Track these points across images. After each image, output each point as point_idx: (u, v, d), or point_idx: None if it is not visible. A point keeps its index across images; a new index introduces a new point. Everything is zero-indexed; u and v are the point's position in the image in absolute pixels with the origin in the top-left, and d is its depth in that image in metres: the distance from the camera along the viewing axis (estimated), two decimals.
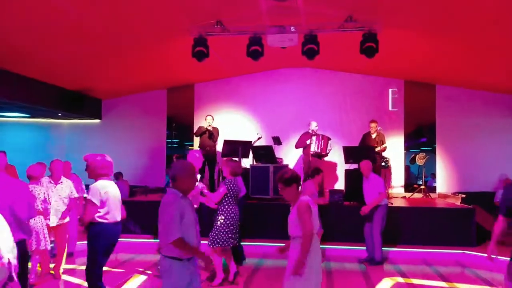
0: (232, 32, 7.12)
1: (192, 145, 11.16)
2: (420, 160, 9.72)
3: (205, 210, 5.72)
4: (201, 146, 8.88)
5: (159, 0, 6.02)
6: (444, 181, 10.41)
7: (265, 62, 8.26)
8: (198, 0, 6.32)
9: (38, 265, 5.30)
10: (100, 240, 3.82)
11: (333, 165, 10.26)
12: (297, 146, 9.20)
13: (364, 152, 8.03)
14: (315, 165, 7.78)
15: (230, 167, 5.30)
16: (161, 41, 7.73)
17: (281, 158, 9.44)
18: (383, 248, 6.33)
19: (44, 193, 5.10)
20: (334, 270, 6.16)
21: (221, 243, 5.08)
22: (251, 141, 8.68)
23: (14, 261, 1.50)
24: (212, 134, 8.85)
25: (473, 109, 10.32)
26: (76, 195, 5.81)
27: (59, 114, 10.75)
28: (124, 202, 4.38)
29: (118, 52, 8.05)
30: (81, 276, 5.55)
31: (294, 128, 10.02)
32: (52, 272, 5.45)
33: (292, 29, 6.98)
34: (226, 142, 8.34)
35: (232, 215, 5.16)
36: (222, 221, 5.11)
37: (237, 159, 7.75)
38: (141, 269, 5.93)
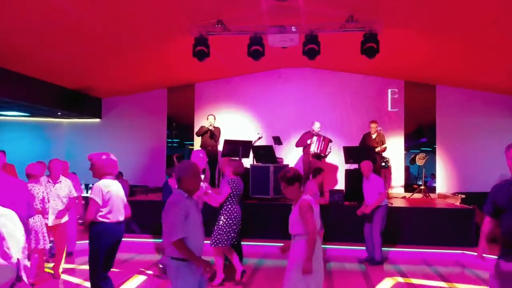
0: (233, 32, 7.11)
1: (192, 145, 11.16)
2: (420, 160, 9.72)
3: (207, 209, 5.71)
4: (202, 145, 8.88)
5: (159, 0, 6.01)
6: (444, 181, 10.42)
7: (266, 62, 8.25)
8: (198, 0, 6.32)
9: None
10: (101, 240, 3.81)
11: (333, 165, 10.26)
12: (297, 145, 9.21)
13: (364, 152, 8.04)
14: (315, 165, 7.78)
15: (232, 166, 5.30)
16: (162, 40, 7.73)
17: (282, 158, 9.44)
18: (383, 248, 6.33)
19: (43, 192, 5.10)
20: (334, 270, 6.16)
21: (223, 242, 5.08)
22: (251, 141, 8.68)
23: (24, 262, 1.50)
24: (213, 134, 8.84)
25: (473, 109, 10.32)
26: (75, 194, 5.81)
27: (59, 113, 10.75)
28: None
29: (118, 52, 8.05)
30: (80, 275, 5.56)
31: (294, 128, 10.02)
32: (52, 271, 5.45)
33: (293, 29, 6.98)
34: (227, 142, 8.35)
35: (235, 214, 5.16)
36: (224, 220, 5.11)
37: (237, 158, 7.75)
38: (141, 269, 5.93)
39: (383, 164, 9.12)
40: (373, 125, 9.00)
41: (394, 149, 10.21)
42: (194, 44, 7.09)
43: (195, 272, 3.01)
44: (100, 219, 3.81)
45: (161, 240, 6.88)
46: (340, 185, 9.67)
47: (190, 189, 3.11)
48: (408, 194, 9.96)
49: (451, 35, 7.19)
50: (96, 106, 11.49)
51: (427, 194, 9.53)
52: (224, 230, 5.09)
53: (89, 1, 5.83)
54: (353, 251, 6.91)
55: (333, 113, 10.69)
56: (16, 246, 1.46)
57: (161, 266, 5.78)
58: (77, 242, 6.65)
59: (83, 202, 8.40)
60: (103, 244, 3.82)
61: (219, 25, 7.00)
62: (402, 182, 10.51)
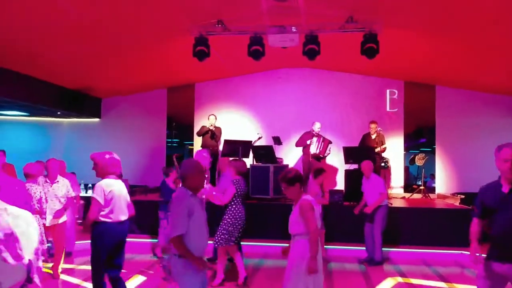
0: (233, 32, 7.11)
1: (192, 145, 11.16)
2: (419, 160, 9.73)
3: (209, 209, 5.70)
4: (203, 146, 8.87)
5: (159, 0, 6.01)
6: (443, 181, 10.42)
7: (266, 62, 8.25)
8: (198, 0, 6.32)
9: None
10: (103, 240, 3.80)
11: (333, 166, 10.26)
12: (297, 145, 9.21)
13: (364, 153, 8.04)
14: (315, 166, 7.78)
15: (235, 166, 5.28)
16: (162, 40, 7.72)
17: (281, 158, 9.44)
18: (382, 249, 6.33)
19: (40, 192, 5.09)
20: (334, 270, 6.16)
21: (227, 242, 5.07)
22: (251, 141, 8.68)
23: (37, 264, 1.50)
24: (214, 134, 8.83)
25: (473, 110, 10.32)
26: (73, 194, 5.79)
27: (59, 113, 10.74)
28: None
29: (118, 52, 8.05)
30: (80, 275, 5.56)
31: (294, 128, 10.02)
32: (51, 271, 5.44)
33: (293, 29, 6.98)
34: (227, 142, 8.35)
35: (239, 214, 5.15)
36: (229, 220, 5.09)
37: (236, 158, 7.74)
38: (141, 269, 5.92)
39: (382, 164, 9.13)
40: (372, 126, 9.00)
41: (394, 150, 10.22)
42: (194, 44, 7.08)
43: (199, 270, 3.02)
44: (102, 218, 3.81)
45: (156, 240, 6.90)
46: (340, 185, 9.67)
47: (194, 187, 3.12)
48: (407, 195, 9.97)
49: (451, 35, 7.20)
50: (96, 106, 11.49)
51: (427, 195, 9.54)
52: (229, 230, 5.07)
53: (89, 1, 5.82)
54: (353, 251, 6.92)
55: (333, 113, 10.70)
56: (29, 248, 1.46)
57: (165, 266, 5.76)
58: (76, 242, 6.65)
59: (81, 202, 8.42)
60: (105, 244, 3.81)
61: (219, 25, 7.00)
62: (402, 183, 10.51)
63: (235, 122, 10.75)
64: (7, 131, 11.27)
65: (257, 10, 6.44)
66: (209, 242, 3.30)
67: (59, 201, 5.43)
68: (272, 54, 7.54)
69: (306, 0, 6.11)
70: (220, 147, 8.82)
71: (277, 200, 7.92)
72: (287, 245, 3.58)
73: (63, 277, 5.49)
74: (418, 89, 10.58)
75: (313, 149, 8.80)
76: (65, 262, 5.79)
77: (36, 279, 1.48)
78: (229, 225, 5.08)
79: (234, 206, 5.14)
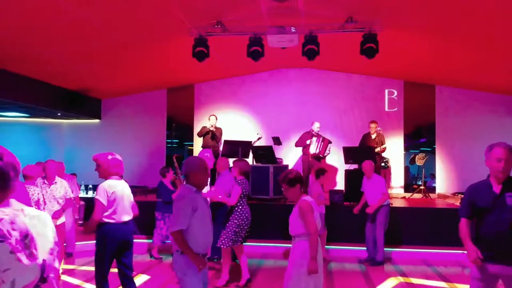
0: (233, 33, 7.12)
1: (192, 145, 11.16)
2: (419, 160, 9.73)
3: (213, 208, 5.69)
4: (204, 146, 8.86)
5: (159, 0, 6.02)
6: (443, 181, 10.42)
7: (265, 63, 8.25)
8: (198, 1, 6.32)
9: None
10: (107, 240, 3.81)
11: (333, 166, 10.26)
12: (296, 145, 9.21)
13: (364, 153, 8.04)
14: (316, 166, 7.78)
15: (238, 166, 5.26)
16: (161, 41, 7.73)
17: (281, 159, 9.44)
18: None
19: (38, 194, 5.08)
20: (335, 270, 6.16)
21: (233, 243, 5.05)
22: (251, 141, 8.68)
23: (54, 264, 1.52)
24: (215, 135, 8.83)
25: (473, 109, 10.33)
26: (71, 195, 5.78)
27: (59, 114, 10.74)
28: None
29: (118, 52, 8.05)
30: (80, 276, 5.56)
31: (294, 128, 10.02)
32: None
33: (293, 29, 6.98)
34: (226, 143, 8.35)
35: (246, 215, 5.12)
36: (236, 221, 5.06)
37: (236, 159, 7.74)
38: (141, 269, 5.93)
39: (382, 164, 9.13)
40: (372, 125, 9.01)
41: (394, 149, 10.22)
42: (193, 45, 7.09)
43: (198, 267, 3.03)
44: (106, 219, 3.81)
45: (151, 241, 6.90)
46: (340, 185, 9.67)
47: (198, 184, 3.13)
48: (407, 194, 9.97)
49: (450, 35, 7.20)
50: (96, 107, 11.49)
51: (427, 194, 9.54)
52: (235, 231, 5.04)
53: (89, 2, 5.83)
54: (353, 252, 6.92)
55: (332, 113, 10.70)
56: (44, 247, 1.49)
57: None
58: (76, 243, 6.65)
59: (82, 202, 8.42)
60: (108, 244, 3.82)
61: (219, 26, 7.01)
62: (402, 183, 10.52)
63: (234, 123, 10.75)
64: (7, 132, 11.27)
65: (256, 10, 6.45)
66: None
67: (57, 202, 5.43)
68: (271, 54, 7.54)
69: (306, 0, 6.12)
70: (221, 148, 8.82)
71: (277, 201, 7.92)
72: (288, 245, 3.58)
73: (64, 278, 5.49)
74: (418, 89, 10.59)
75: (313, 149, 8.80)
76: (66, 263, 5.79)
77: (52, 279, 1.50)
78: (235, 225, 5.05)
79: (240, 207, 5.11)
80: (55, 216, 5.39)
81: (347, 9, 6.54)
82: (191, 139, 11.17)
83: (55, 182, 5.49)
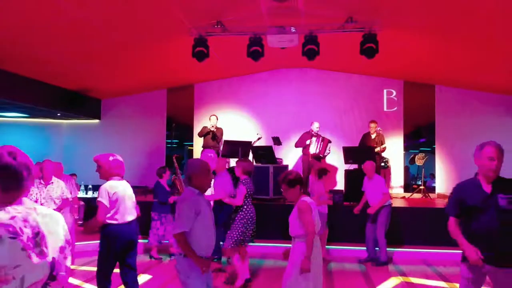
0: (232, 33, 7.12)
1: (192, 145, 11.16)
2: (419, 160, 9.73)
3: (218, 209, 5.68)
4: (204, 146, 8.85)
5: (159, 0, 6.02)
6: (443, 181, 10.42)
7: (265, 63, 8.25)
8: (198, 1, 6.32)
9: None
10: (110, 241, 3.82)
11: (333, 166, 10.26)
12: (296, 145, 9.22)
13: (364, 153, 8.04)
14: (316, 166, 7.78)
15: (241, 166, 5.25)
16: (161, 41, 7.73)
17: (281, 159, 9.45)
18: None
19: (36, 194, 5.07)
20: (335, 270, 6.16)
21: (239, 243, 5.03)
22: (251, 142, 8.68)
23: (64, 262, 1.53)
24: (215, 135, 8.82)
25: (472, 109, 10.33)
26: (69, 196, 5.77)
27: (58, 114, 10.73)
28: None
29: (118, 52, 8.05)
30: (80, 276, 5.56)
31: (294, 128, 10.02)
32: None
33: (292, 29, 6.98)
34: (226, 143, 8.34)
35: (251, 214, 5.10)
36: (242, 222, 5.05)
37: (236, 159, 7.74)
38: (141, 269, 5.92)
39: (382, 164, 9.13)
40: (372, 125, 9.01)
41: (394, 149, 10.23)
42: (193, 45, 7.09)
43: (202, 270, 3.01)
44: (109, 221, 3.82)
45: (147, 241, 6.90)
46: (340, 185, 9.68)
47: (200, 186, 3.12)
48: (407, 194, 9.97)
49: (450, 35, 7.20)
50: (95, 107, 11.48)
51: (427, 194, 9.54)
52: (241, 231, 5.02)
53: (89, 3, 5.82)
54: (353, 252, 6.92)
55: (332, 113, 10.70)
56: (54, 246, 1.50)
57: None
58: (76, 243, 6.63)
59: (81, 203, 8.41)
60: (111, 245, 3.82)
61: (219, 26, 7.01)
62: (402, 182, 10.52)
63: (234, 123, 10.75)
64: (6, 132, 11.27)
65: (256, 10, 6.45)
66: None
67: (54, 203, 5.41)
68: (271, 54, 7.54)
69: (306, 0, 6.12)
70: (221, 148, 8.82)
71: (277, 201, 7.92)
72: (288, 245, 3.58)
73: None
74: (418, 89, 10.59)
75: (313, 149, 8.80)
76: None
77: (61, 277, 1.51)
78: (242, 225, 5.03)
79: (245, 207, 5.08)
80: None
81: (347, 9, 6.54)
82: (191, 139, 11.17)
83: (52, 182, 5.48)
